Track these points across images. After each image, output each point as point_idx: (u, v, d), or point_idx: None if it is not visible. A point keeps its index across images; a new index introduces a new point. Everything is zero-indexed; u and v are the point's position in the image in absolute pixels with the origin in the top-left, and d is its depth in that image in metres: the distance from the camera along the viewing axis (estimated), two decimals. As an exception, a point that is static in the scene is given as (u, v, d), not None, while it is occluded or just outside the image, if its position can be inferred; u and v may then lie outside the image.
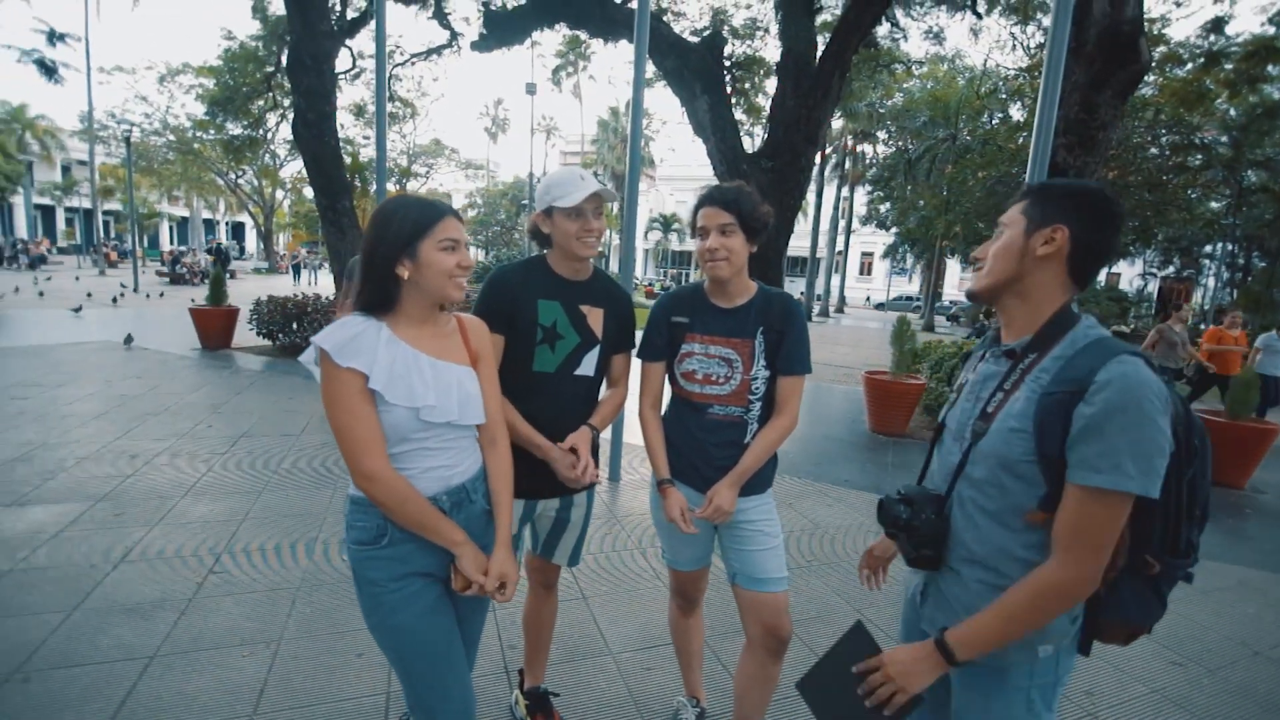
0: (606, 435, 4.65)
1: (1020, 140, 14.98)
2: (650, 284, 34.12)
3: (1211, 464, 1.11)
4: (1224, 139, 16.09)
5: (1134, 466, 0.96)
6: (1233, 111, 15.05)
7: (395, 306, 1.37)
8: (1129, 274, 30.82)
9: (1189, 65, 12.69)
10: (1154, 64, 9.04)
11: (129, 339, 9.20)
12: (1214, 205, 19.72)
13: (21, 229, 35.07)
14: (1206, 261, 24.50)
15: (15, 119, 31.93)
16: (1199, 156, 16.13)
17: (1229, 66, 11.24)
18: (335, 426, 1.28)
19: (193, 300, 12.48)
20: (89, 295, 14.22)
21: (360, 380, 1.27)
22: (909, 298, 38.92)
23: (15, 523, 3.32)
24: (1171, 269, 26.90)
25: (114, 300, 13.84)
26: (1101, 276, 31.43)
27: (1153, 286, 29.45)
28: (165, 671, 2.26)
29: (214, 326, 9.01)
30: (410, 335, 1.37)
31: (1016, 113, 17.16)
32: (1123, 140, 13.01)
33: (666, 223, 41.21)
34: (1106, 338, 1.07)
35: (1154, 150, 15.55)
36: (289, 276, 29.56)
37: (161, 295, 17.24)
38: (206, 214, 47.15)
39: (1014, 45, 12.60)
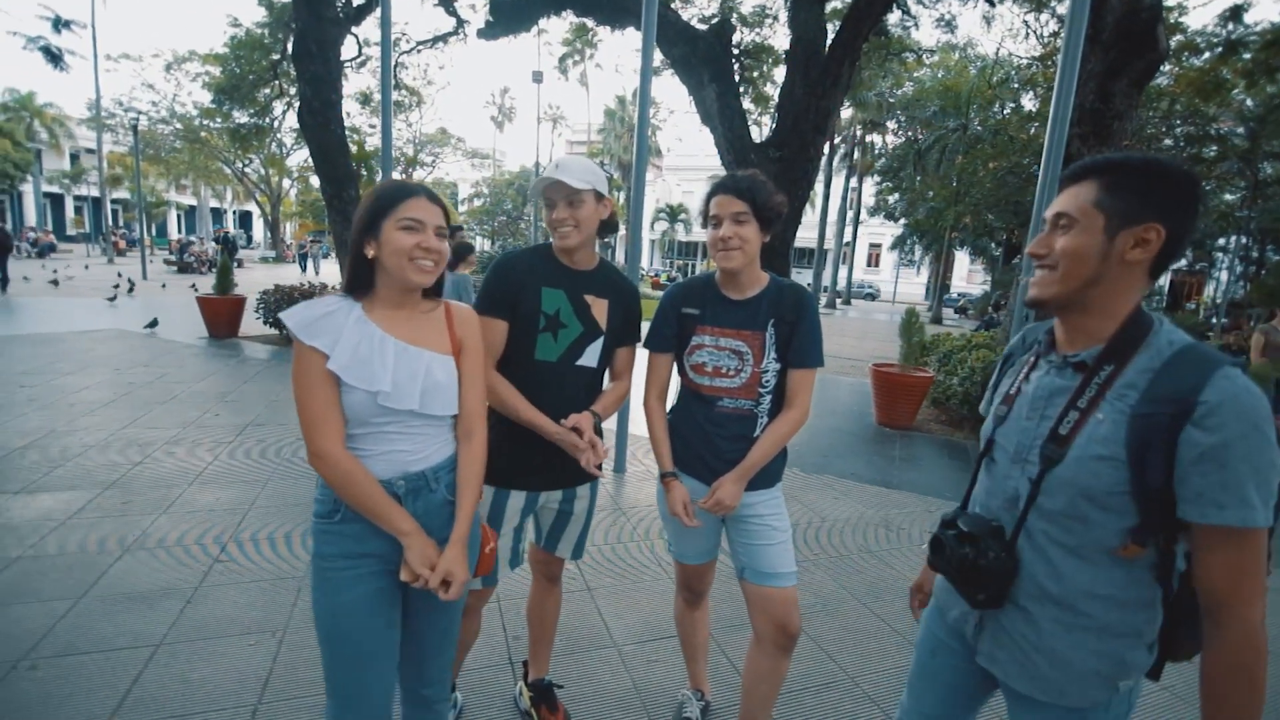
0: (612, 426, 4.63)
1: (1032, 130, 14.79)
2: (656, 275, 34.00)
3: None
4: (1240, 130, 15.84)
5: (1259, 497, 0.86)
6: (1250, 102, 14.80)
7: (372, 290, 1.37)
8: (1140, 267, 30.47)
9: (1206, 54, 12.47)
10: (1170, 53, 8.89)
11: (154, 322, 9.40)
12: (1228, 198, 19.45)
13: (31, 217, 35.26)
14: (1220, 255, 24.21)
15: (24, 107, 32.00)
16: (1214, 148, 15.89)
17: (1247, 56, 11.03)
18: (296, 400, 1.29)
19: (194, 288, 12.54)
20: (118, 283, 14.32)
21: (321, 359, 1.27)
22: (861, 285, 40.31)
23: (24, 510, 3.34)
24: (1184, 262, 26.58)
25: (129, 290, 13.90)
26: (1112, 269, 31.39)
27: (1164, 280, 29.15)
28: (171, 659, 2.27)
29: (221, 315, 9.04)
30: (383, 317, 1.36)
31: (1029, 102, 16.94)
32: (1137, 131, 12.82)
33: (673, 213, 40.99)
34: (1193, 345, 0.95)
35: (1168, 141, 15.33)
36: (295, 266, 29.64)
37: (164, 286, 17.30)
38: (214, 203, 47.25)
39: (1027, 33, 12.42)
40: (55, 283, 14.92)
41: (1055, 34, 12.10)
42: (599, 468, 1.71)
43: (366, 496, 1.30)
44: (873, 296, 39.83)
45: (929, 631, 1.31)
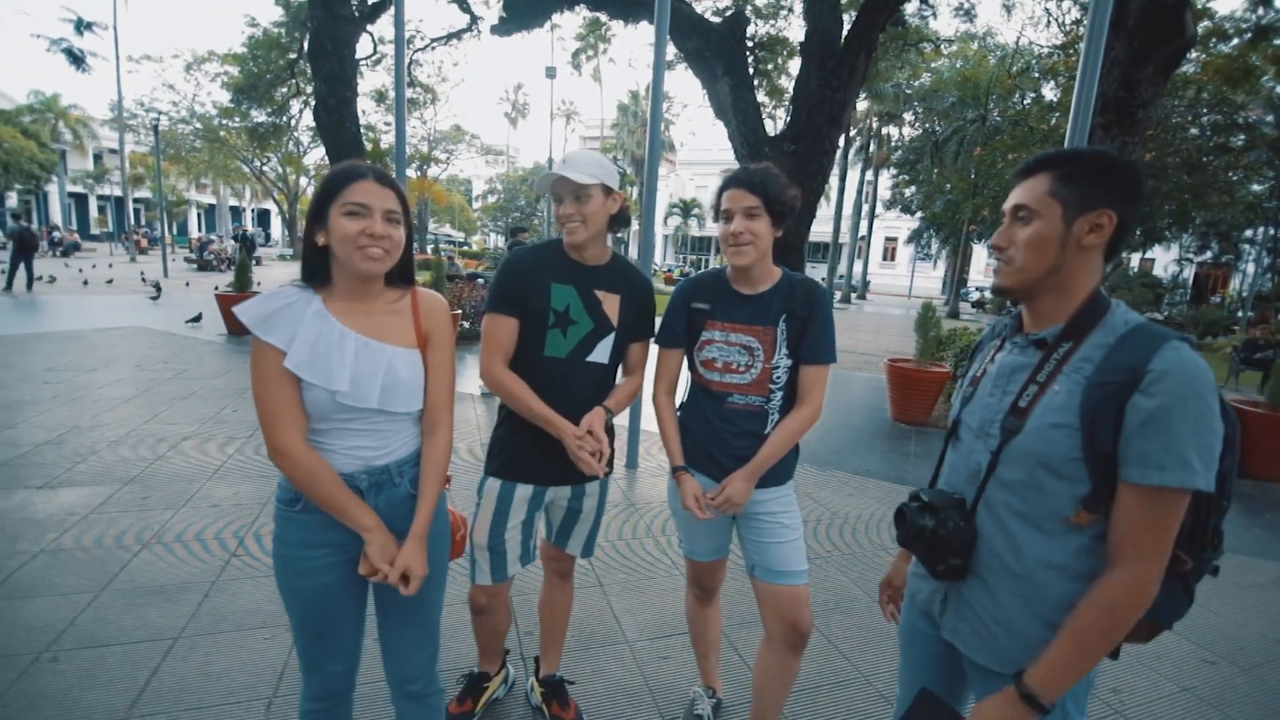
0: (624, 422, 4.63)
1: (1054, 121, 14.51)
2: (669, 270, 33.92)
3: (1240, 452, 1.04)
4: (1269, 118, 15.42)
5: (1199, 461, 0.90)
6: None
7: (329, 280, 1.33)
8: (1164, 259, 29.86)
9: (1234, 40, 12.15)
10: (1197, 39, 8.66)
11: (198, 317, 9.67)
12: (1256, 188, 18.95)
13: (56, 216, 35.96)
14: (1246, 246, 23.62)
15: (49, 108, 32.63)
16: (1242, 137, 15.48)
17: (1277, 42, 10.74)
18: (254, 396, 1.27)
19: (216, 287, 12.65)
20: (158, 283, 14.58)
21: (278, 356, 1.24)
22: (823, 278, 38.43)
23: (46, 504, 3.40)
24: (1209, 254, 25.98)
25: (156, 295, 14.13)
26: (1135, 261, 30.42)
27: (1188, 272, 28.52)
28: (189, 652, 2.30)
29: (239, 312, 9.16)
30: (342, 310, 1.31)
31: (1050, 92, 16.62)
32: (1161, 120, 12.52)
33: (686, 208, 40.86)
34: (1146, 323, 1.01)
35: (1194, 130, 14.96)
36: None
37: (187, 284, 17.56)
38: (233, 201, 47.85)
39: (1049, 21, 12.19)
40: (86, 282, 15.17)
41: (1078, 21, 11.85)
42: (609, 465, 1.70)
43: (328, 493, 1.28)
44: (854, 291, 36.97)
45: (905, 620, 1.35)
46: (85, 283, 15.17)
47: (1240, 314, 19.14)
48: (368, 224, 1.25)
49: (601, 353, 1.78)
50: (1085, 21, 3.48)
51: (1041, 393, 1.04)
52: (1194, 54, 11.96)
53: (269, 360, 1.25)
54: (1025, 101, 18.24)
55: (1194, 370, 0.92)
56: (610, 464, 1.84)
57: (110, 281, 15.82)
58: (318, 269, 1.32)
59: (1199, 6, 11.59)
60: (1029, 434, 1.04)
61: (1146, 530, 0.94)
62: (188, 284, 16.78)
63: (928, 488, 1.23)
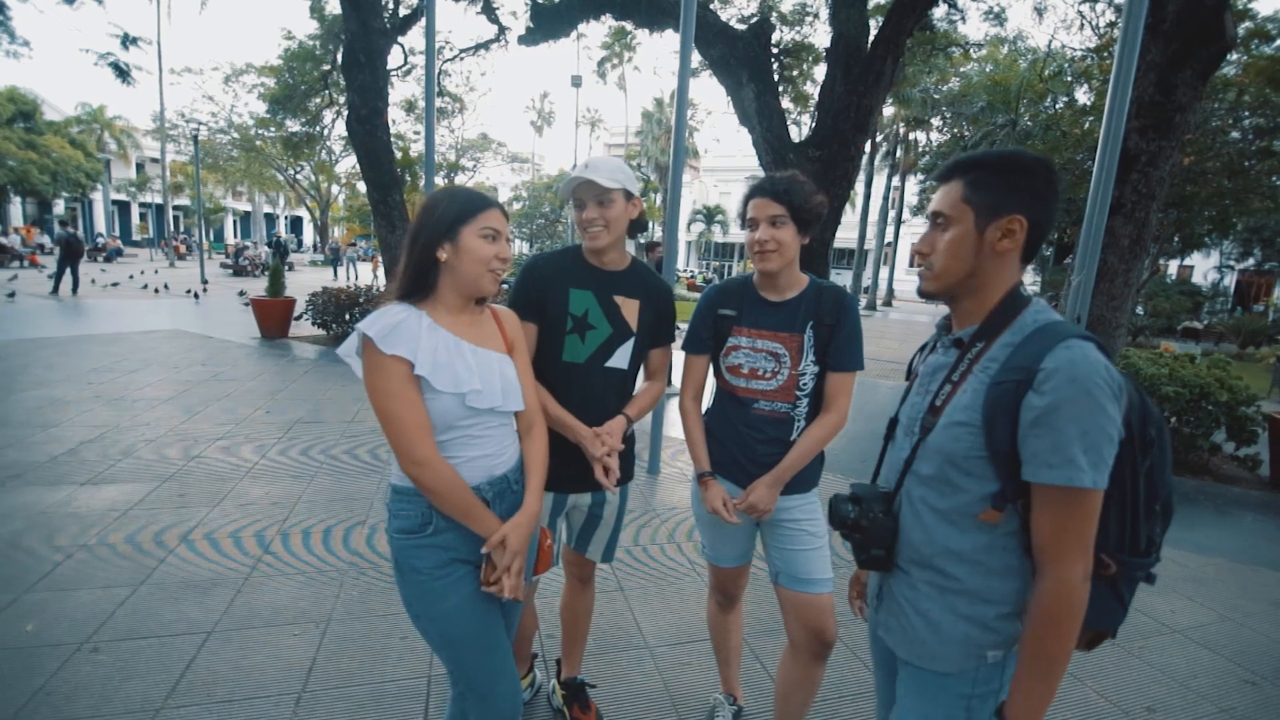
0: (646, 427, 4.63)
1: (1086, 125, 14.20)
2: (692, 276, 33.86)
3: (1172, 455, 1.04)
4: (1315, 121, 14.87)
5: (1085, 460, 0.91)
6: (1327, 91, 13.90)
7: (433, 294, 1.37)
8: (1203, 266, 28.95)
9: (1277, 42, 11.78)
10: (1238, 41, 8.42)
11: (242, 293, 9.90)
12: (1302, 192, 18.30)
13: (101, 223, 37.28)
14: (1292, 253, 22.77)
15: (95, 120, 33.91)
16: (1286, 140, 14.96)
17: (1323, 42, 10.38)
18: (382, 414, 1.27)
19: (241, 293, 12.98)
20: (192, 289, 15.07)
21: (405, 367, 1.27)
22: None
23: (90, 500, 3.53)
24: (1251, 261, 25.11)
25: (194, 296, 14.59)
26: (1173, 269, 29.49)
27: (1229, 280, 27.60)
28: (222, 646, 2.37)
29: (272, 316, 9.39)
30: (449, 322, 1.37)
31: (1083, 96, 16.27)
32: (1201, 123, 12.17)
33: (710, 214, 40.76)
34: (1056, 321, 1.02)
35: (1235, 134, 14.51)
36: (340, 268, 30.18)
37: (241, 294, 18.01)
38: (267, 208, 49.14)
39: (1082, 24, 11.95)
40: (147, 287, 15.59)
41: (1112, 24, 11.60)
42: (629, 473, 1.71)
43: (466, 502, 1.32)
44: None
45: (869, 621, 1.37)
46: (156, 289, 15.45)
47: (1285, 323, 18.45)
48: (499, 248, 1.36)
49: (621, 358, 1.79)
50: (1120, 24, 3.41)
51: (954, 392, 1.07)
52: (1235, 55, 11.62)
53: (396, 373, 1.27)
54: (1057, 105, 17.88)
55: (1085, 369, 0.92)
56: (630, 471, 1.84)
57: (165, 288, 16.28)
58: (426, 283, 1.36)
59: (1239, 8, 11.27)
60: (938, 431, 1.07)
61: (1058, 531, 0.95)
62: (206, 288, 16.67)
63: (867, 483, 1.27)
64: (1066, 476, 0.92)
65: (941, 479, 1.08)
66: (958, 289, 1.10)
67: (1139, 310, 19.40)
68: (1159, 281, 23.28)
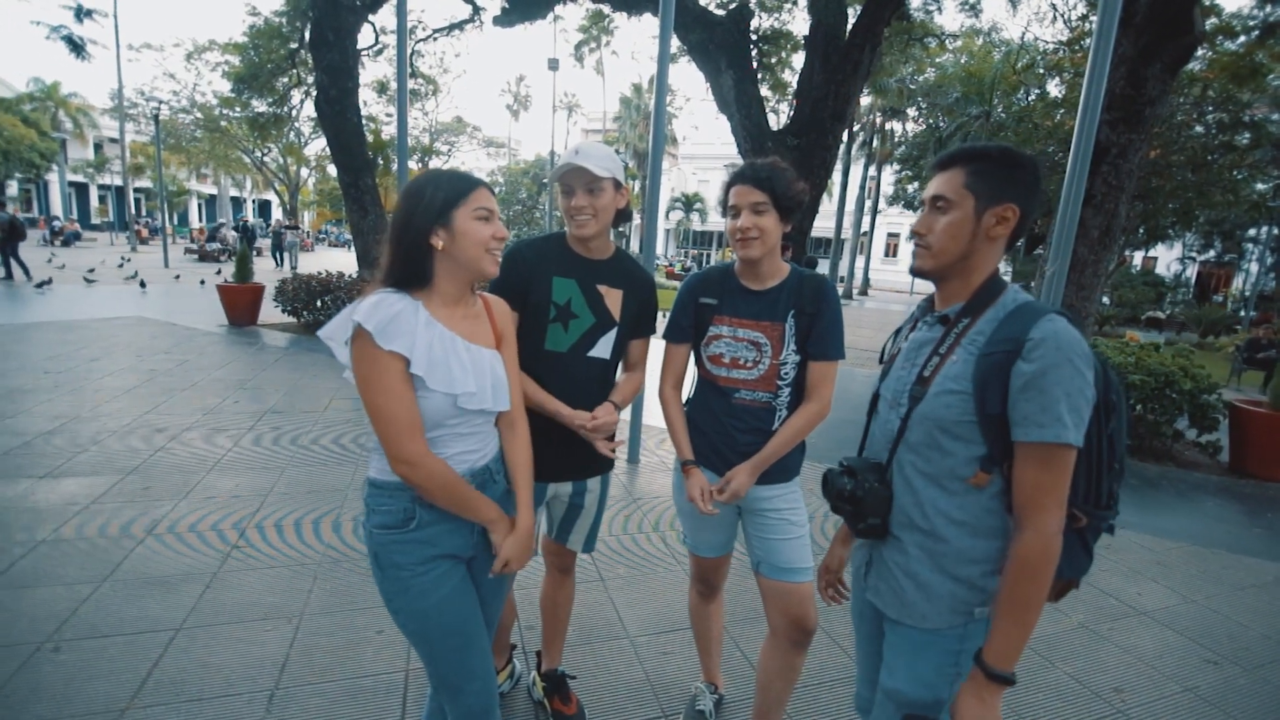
0: (626, 417, 4.62)
1: (1058, 117, 14.44)
2: (671, 264, 33.84)
3: (1129, 421, 1.13)
4: (1275, 116, 15.32)
5: (1070, 419, 1.01)
6: (1286, 87, 14.29)
7: (429, 283, 1.31)
8: (1166, 258, 29.79)
9: (1242, 38, 12.06)
10: (1204, 37, 8.60)
11: (203, 282, 9.60)
12: (1260, 187, 18.86)
13: (57, 206, 35.88)
14: (1249, 246, 23.54)
15: (49, 97, 32.46)
16: (1247, 135, 15.39)
17: (1285, 39, 10.65)
18: (373, 409, 1.22)
19: (219, 273, 12.54)
20: (177, 277, 14.43)
21: (401, 364, 1.22)
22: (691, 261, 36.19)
23: (48, 494, 3.40)
24: (1212, 253, 25.89)
25: (141, 284, 13.73)
26: (1137, 260, 30.32)
27: (1191, 271, 28.45)
28: (191, 643, 2.30)
29: (240, 303, 9.13)
30: (445, 316, 1.32)
31: (1054, 88, 16.52)
32: (1166, 118, 12.45)
33: (689, 202, 40.70)
34: (1033, 301, 1.14)
35: (1199, 128, 14.88)
36: (304, 254, 27.28)
37: (202, 282, 17.49)
38: (234, 191, 47.73)
39: (1054, 17, 12.10)
40: (143, 281, 14.74)
41: (1084, 17, 11.77)
42: (613, 451, 1.71)
43: (460, 494, 1.31)
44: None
45: (854, 596, 1.43)
46: (143, 282, 13.75)
47: (1243, 313, 19.10)
48: (495, 228, 1.32)
49: (603, 348, 1.77)
50: (1093, 18, 3.44)
51: (942, 363, 1.16)
52: (1200, 51, 11.88)
53: (391, 369, 1.21)
54: (1030, 98, 18.14)
55: (1067, 339, 1.02)
56: (611, 461, 1.82)
57: (137, 278, 15.66)
58: (422, 273, 1.30)
59: (1206, 3, 11.51)
60: (929, 399, 1.15)
61: (1039, 487, 1.04)
62: (202, 282, 15.01)
63: (855, 456, 1.33)
64: (1055, 434, 1.01)
65: (931, 444, 1.15)
66: (950, 269, 1.18)
67: (1105, 300, 19.93)
68: (1124, 272, 23.92)
